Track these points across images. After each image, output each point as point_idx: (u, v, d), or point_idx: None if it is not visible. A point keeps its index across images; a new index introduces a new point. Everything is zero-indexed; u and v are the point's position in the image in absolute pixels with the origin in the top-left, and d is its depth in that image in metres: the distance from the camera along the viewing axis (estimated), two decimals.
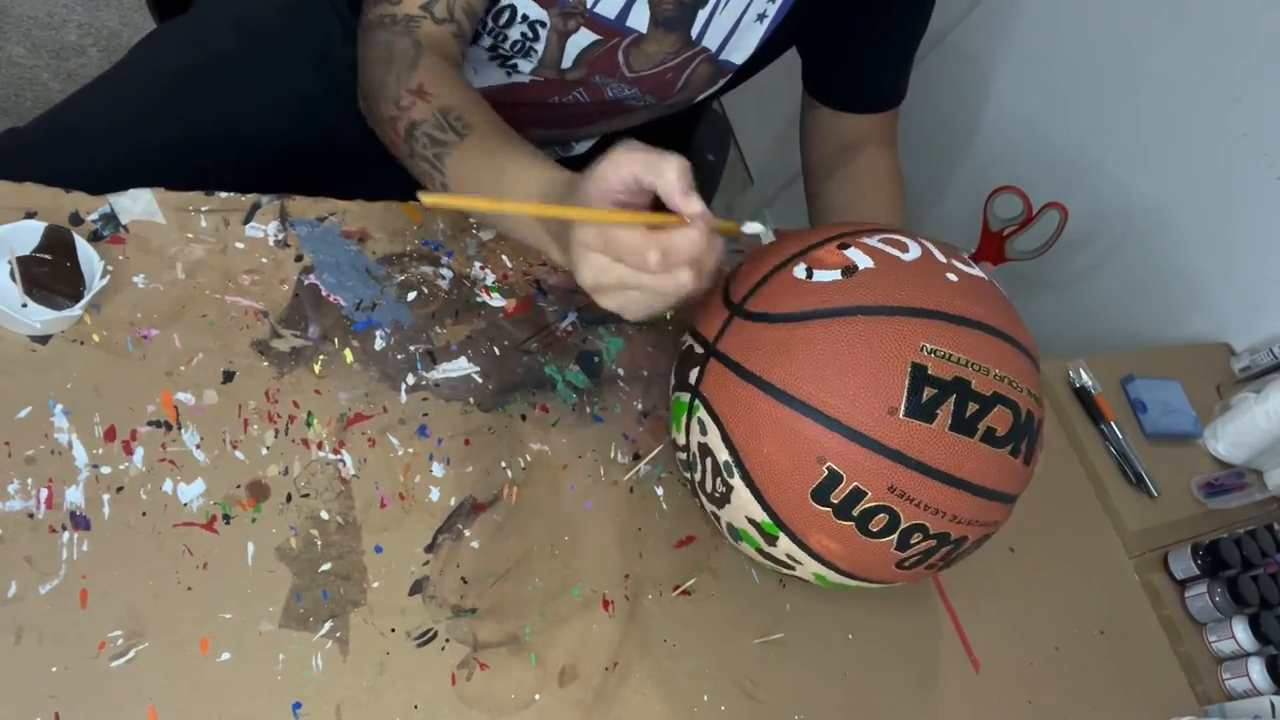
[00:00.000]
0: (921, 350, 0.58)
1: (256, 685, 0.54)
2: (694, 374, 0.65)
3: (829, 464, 0.58)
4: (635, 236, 0.53)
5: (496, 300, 0.74)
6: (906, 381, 0.58)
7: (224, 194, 0.67)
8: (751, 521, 0.63)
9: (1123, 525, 1.00)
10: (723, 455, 0.63)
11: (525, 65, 0.84)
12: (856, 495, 0.59)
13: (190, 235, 0.64)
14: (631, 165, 0.55)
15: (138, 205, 0.64)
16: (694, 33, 0.80)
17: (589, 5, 0.78)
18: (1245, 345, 1.31)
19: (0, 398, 0.54)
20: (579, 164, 0.77)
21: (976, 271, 0.65)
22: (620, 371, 0.77)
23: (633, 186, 0.55)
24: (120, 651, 0.51)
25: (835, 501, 0.59)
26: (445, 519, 0.64)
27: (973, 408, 0.59)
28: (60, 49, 1.61)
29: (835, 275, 0.62)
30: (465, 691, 0.59)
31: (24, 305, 0.55)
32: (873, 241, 0.64)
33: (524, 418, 0.70)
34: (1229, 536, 0.99)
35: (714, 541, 0.73)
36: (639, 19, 0.79)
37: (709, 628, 0.69)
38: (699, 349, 0.66)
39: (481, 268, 0.75)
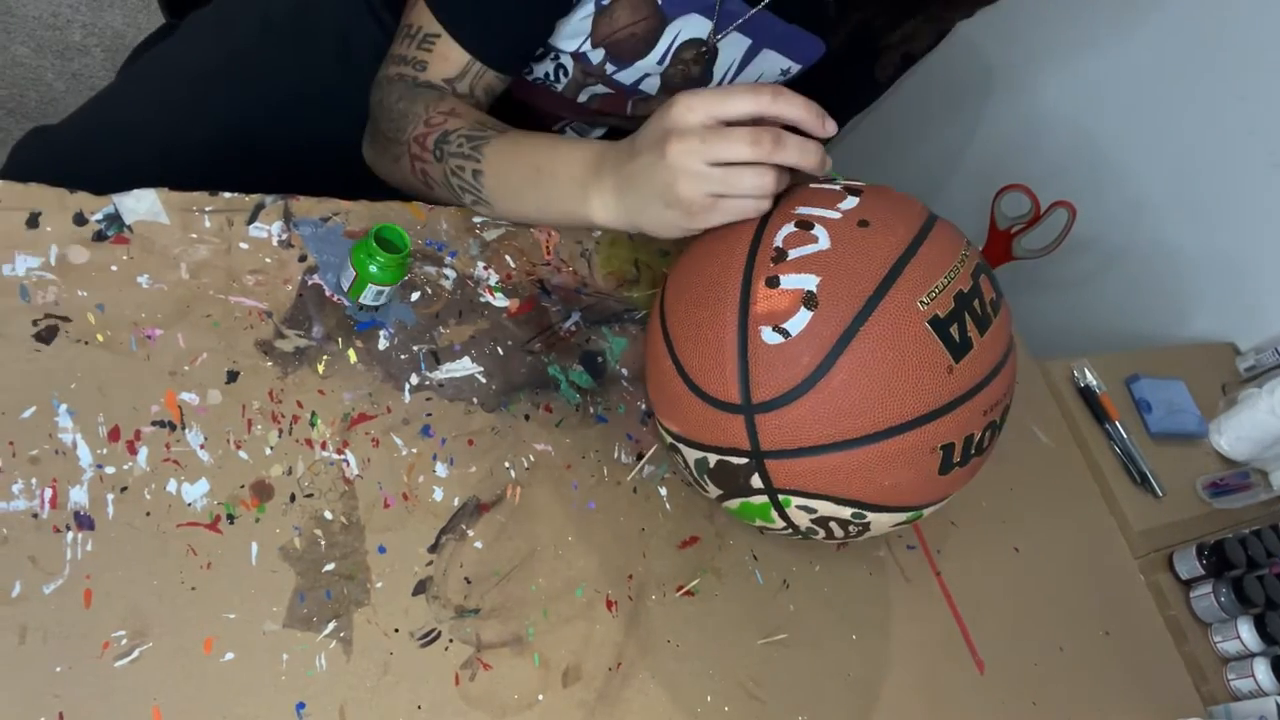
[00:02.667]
0: (922, 306, 0.58)
1: (260, 685, 0.54)
2: (755, 479, 0.62)
3: (938, 446, 0.60)
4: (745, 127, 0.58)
5: (500, 300, 0.74)
6: (938, 338, 0.58)
7: (228, 194, 0.67)
8: (897, 525, 0.65)
9: (1127, 525, 1.00)
10: (846, 512, 0.62)
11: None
12: (969, 443, 0.61)
13: (194, 235, 0.64)
14: (751, 97, 0.59)
15: (142, 205, 0.64)
16: None
17: (608, 72, 0.82)
18: (1250, 345, 1.30)
19: (4, 397, 0.54)
20: None
21: (838, 184, 0.64)
22: (624, 371, 0.77)
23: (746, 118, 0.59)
24: (124, 651, 0.51)
25: (958, 461, 0.61)
26: (449, 519, 0.64)
27: (975, 302, 0.61)
28: (65, 49, 1.62)
29: (804, 316, 0.58)
30: (469, 692, 0.59)
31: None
32: (793, 253, 0.60)
33: (527, 418, 0.70)
34: (1234, 537, 0.99)
35: (717, 542, 0.73)
36: (650, 85, 0.83)
37: (712, 628, 0.69)
38: (740, 460, 0.61)
39: (485, 268, 0.75)
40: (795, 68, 0.85)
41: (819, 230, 0.60)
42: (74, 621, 0.51)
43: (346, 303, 0.67)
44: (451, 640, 0.60)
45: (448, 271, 0.73)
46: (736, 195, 0.60)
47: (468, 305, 0.73)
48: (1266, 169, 1.25)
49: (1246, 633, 0.95)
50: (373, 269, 0.63)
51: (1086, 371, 1.09)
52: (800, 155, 0.60)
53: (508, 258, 0.76)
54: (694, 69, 0.82)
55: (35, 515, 0.52)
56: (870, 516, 0.63)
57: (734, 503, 0.66)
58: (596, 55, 0.81)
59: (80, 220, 0.61)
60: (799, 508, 0.63)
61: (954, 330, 0.59)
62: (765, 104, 0.59)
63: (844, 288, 0.58)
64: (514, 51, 0.77)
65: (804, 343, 0.57)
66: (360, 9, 0.87)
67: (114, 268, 0.61)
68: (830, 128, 0.61)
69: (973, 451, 0.62)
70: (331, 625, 0.57)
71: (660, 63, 0.81)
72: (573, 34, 0.79)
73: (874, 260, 0.59)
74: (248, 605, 0.55)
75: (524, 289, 0.76)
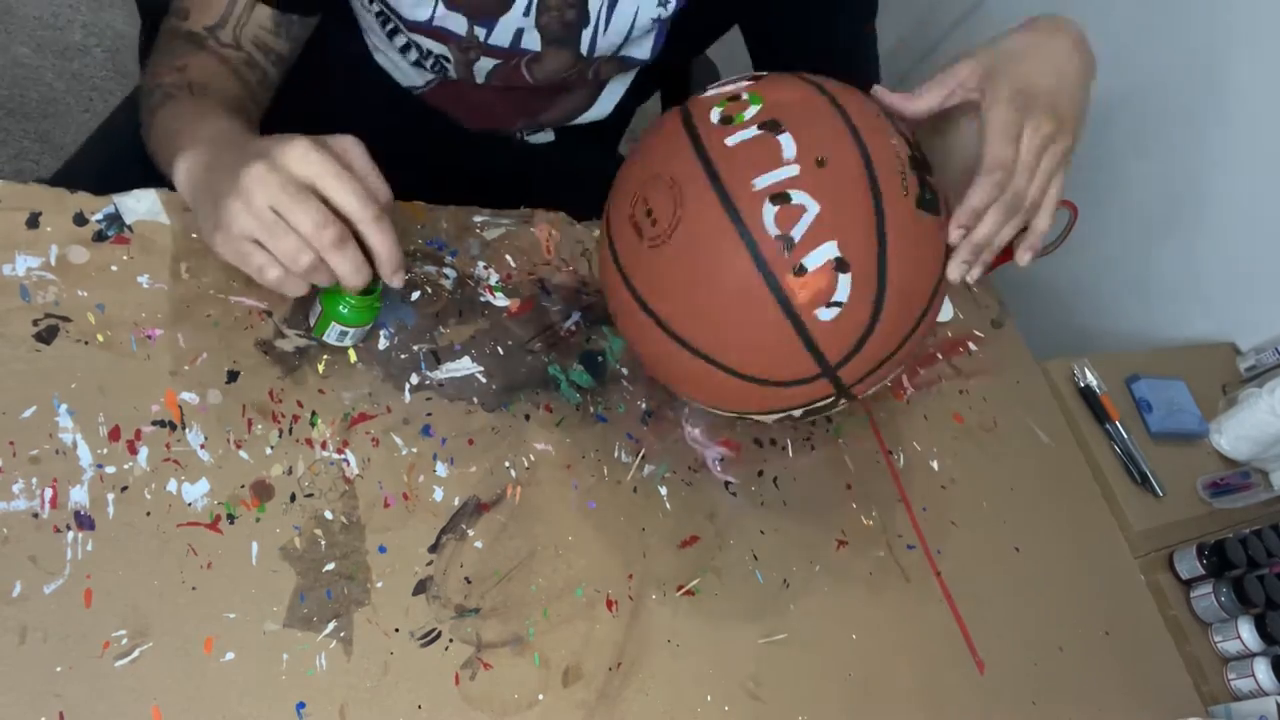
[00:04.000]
0: (904, 194, 0.61)
1: (260, 685, 0.54)
2: (840, 402, 0.67)
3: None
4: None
5: (500, 300, 0.74)
6: (928, 214, 0.63)
7: None
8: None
9: (1128, 525, 1.00)
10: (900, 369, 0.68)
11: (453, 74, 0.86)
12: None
13: (194, 235, 0.64)
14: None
15: (142, 205, 0.64)
16: (583, 49, 0.81)
17: (482, 39, 0.79)
18: (1250, 345, 1.30)
19: (5, 397, 0.55)
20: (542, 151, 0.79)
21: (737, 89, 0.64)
22: (624, 371, 0.77)
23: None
24: (125, 651, 0.51)
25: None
26: (449, 519, 0.64)
27: (918, 152, 0.65)
28: (65, 49, 1.62)
29: (844, 281, 0.60)
30: (469, 691, 0.59)
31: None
32: (795, 233, 0.59)
33: (528, 417, 0.70)
34: (1234, 536, 0.99)
35: (718, 541, 0.73)
36: (531, 40, 0.80)
37: (713, 628, 0.69)
38: (823, 401, 0.66)
39: (485, 267, 0.75)
40: None
41: (797, 196, 0.58)
42: (74, 621, 0.51)
43: (311, 340, 0.65)
44: (452, 640, 0.60)
45: (448, 271, 0.73)
46: (264, 249, 0.56)
47: (468, 305, 0.73)
48: (1268, 169, 1.25)
49: (1247, 633, 0.95)
50: (342, 309, 0.62)
51: (1087, 371, 1.09)
52: (351, 272, 0.57)
53: (508, 257, 0.76)
54: (568, 13, 0.78)
55: (36, 515, 0.53)
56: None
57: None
58: (458, 24, 0.77)
59: (80, 220, 0.61)
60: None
61: (927, 193, 0.62)
62: (364, 219, 0.56)
63: (854, 234, 0.59)
64: None
65: (856, 299, 0.60)
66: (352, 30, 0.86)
67: (114, 268, 0.61)
68: (398, 282, 0.59)
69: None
70: (332, 625, 0.57)
71: (527, 13, 0.77)
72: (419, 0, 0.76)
73: (855, 189, 0.60)
74: (248, 605, 0.55)
75: (524, 288, 0.76)
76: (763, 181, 0.59)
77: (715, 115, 0.62)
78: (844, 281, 0.59)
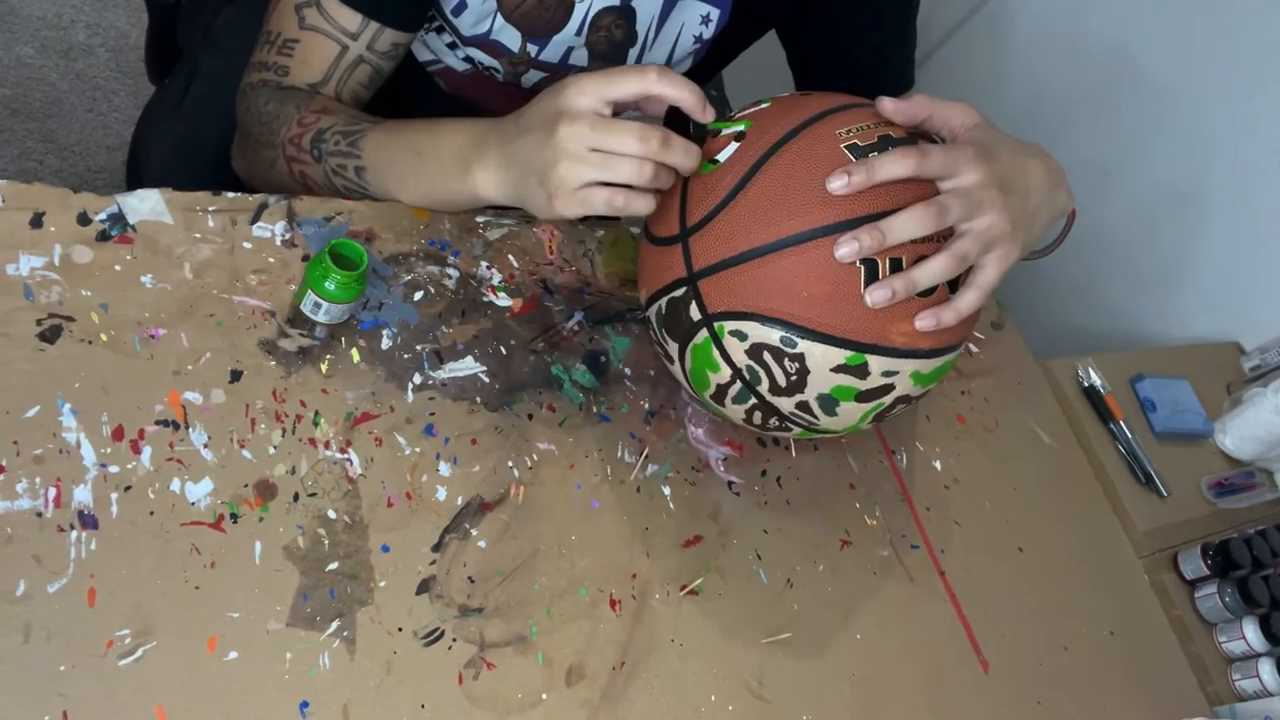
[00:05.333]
0: (844, 134, 0.62)
1: (264, 684, 0.54)
2: (694, 310, 0.64)
3: (860, 260, 0.60)
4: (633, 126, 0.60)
5: (503, 300, 0.74)
6: (854, 159, 0.61)
7: (231, 194, 0.67)
8: (839, 370, 0.62)
9: (1132, 525, 0.99)
10: (775, 335, 0.62)
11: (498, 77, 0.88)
12: (896, 265, 0.61)
13: (198, 235, 0.64)
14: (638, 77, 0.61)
15: (145, 205, 0.64)
16: None
17: (533, 55, 0.81)
18: (1255, 344, 1.30)
19: (8, 397, 0.55)
20: None
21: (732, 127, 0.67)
22: (627, 371, 0.77)
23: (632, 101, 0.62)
24: (128, 650, 0.51)
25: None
26: (452, 518, 0.64)
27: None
28: (69, 49, 1.62)
29: (732, 147, 0.64)
30: (472, 691, 0.59)
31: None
32: (734, 112, 0.67)
33: (531, 417, 0.70)
34: (1239, 536, 0.99)
35: (721, 541, 0.73)
36: (579, 57, 0.82)
37: (716, 627, 0.69)
38: (680, 290, 0.65)
39: (488, 267, 0.75)
40: (715, 12, 0.83)
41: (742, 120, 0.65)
42: (78, 620, 0.51)
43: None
44: (455, 639, 0.60)
45: (451, 271, 0.73)
46: (612, 183, 0.61)
47: (471, 305, 0.73)
48: (1271, 167, 1.25)
49: (1251, 633, 0.94)
50: (329, 285, 0.61)
51: (1091, 371, 1.09)
52: (684, 157, 0.62)
53: (511, 257, 0.76)
54: (616, 33, 0.81)
55: (39, 514, 0.53)
56: (801, 345, 0.62)
57: (687, 358, 0.67)
58: (513, 39, 0.80)
59: (84, 220, 0.61)
60: (732, 334, 0.63)
61: (873, 157, 0.61)
62: (650, 82, 0.61)
63: (772, 125, 0.63)
64: (409, 4, 0.76)
65: (729, 166, 0.63)
66: None
67: (118, 267, 0.61)
68: (709, 114, 0.63)
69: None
70: (335, 624, 0.57)
71: (579, 33, 0.80)
72: (480, 15, 0.78)
73: (804, 109, 0.64)
74: (251, 604, 0.55)
75: (527, 288, 0.76)
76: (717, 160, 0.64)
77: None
78: (731, 148, 0.64)
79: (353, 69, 0.75)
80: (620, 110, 0.63)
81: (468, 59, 0.85)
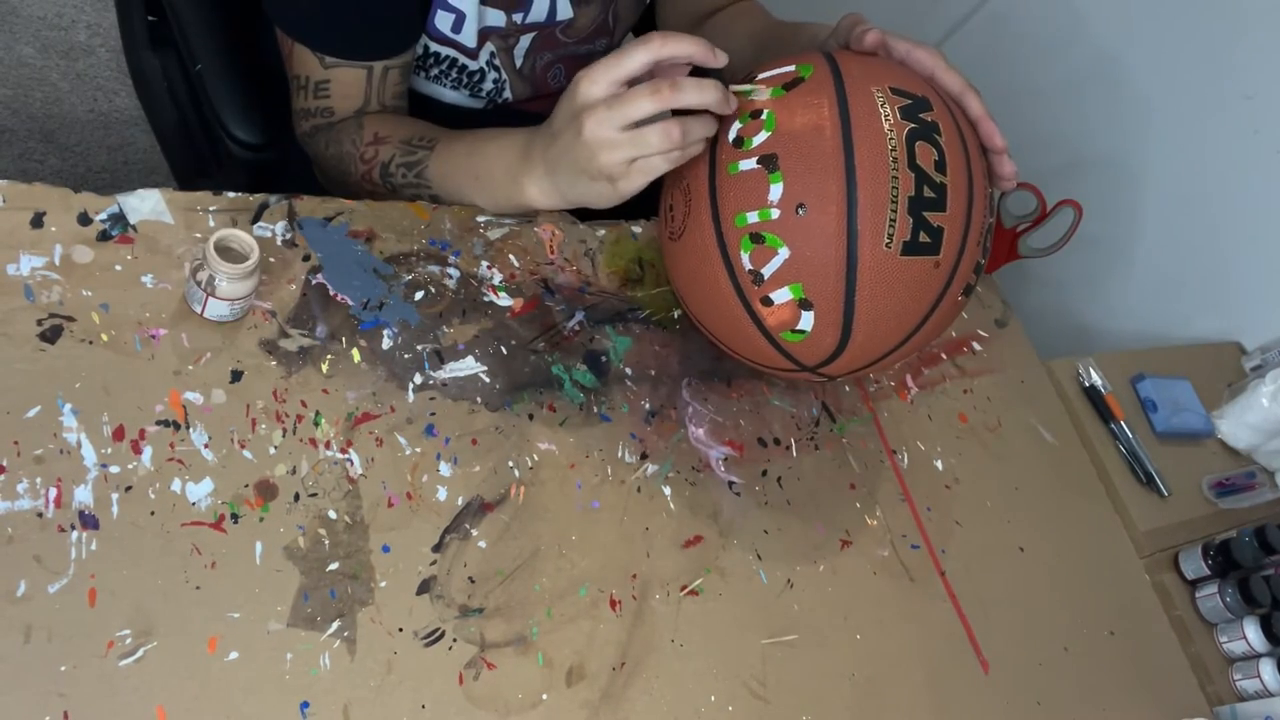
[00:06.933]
0: (888, 246, 0.63)
1: (264, 684, 0.54)
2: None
3: (959, 296, 0.67)
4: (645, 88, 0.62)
5: (504, 299, 0.74)
6: (915, 255, 0.63)
7: (231, 194, 0.67)
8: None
9: (1133, 525, 0.99)
10: None
11: (507, 94, 0.91)
12: (979, 270, 0.69)
13: (198, 235, 0.64)
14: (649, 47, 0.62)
15: (146, 205, 0.64)
16: None
17: (520, 22, 0.84)
18: (1256, 344, 1.30)
19: (9, 397, 0.55)
20: None
21: (755, 94, 0.67)
22: (628, 371, 0.77)
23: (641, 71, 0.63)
24: (129, 650, 0.52)
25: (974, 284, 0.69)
26: (452, 518, 0.64)
27: (924, 189, 0.63)
28: (70, 49, 1.62)
29: (808, 316, 0.65)
30: (473, 691, 0.59)
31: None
32: (766, 271, 0.65)
33: (531, 417, 0.70)
34: (1240, 536, 0.99)
35: (721, 542, 0.73)
36: (564, 8, 0.85)
37: (716, 628, 0.69)
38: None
39: (489, 267, 0.75)
40: None
41: (771, 239, 0.64)
42: (78, 621, 0.51)
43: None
44: (455, 640, 0.60)
45: (451, 271, 0.73)
46: (650, 154, 0.63)
47: (471, 304, 0.73)
48: (1273, 168, 1.25)
49: (1252, 633, 0.94)
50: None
51: (1092, 371, 1.09)
52: (699, 94, 0.63)
53: (511, 257, 0.76)
54: None
55: (40, 515, 0.53)
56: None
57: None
58: (497, 17, 0.82)
59: (84, 220, 0.61)
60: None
61: (922, 236, 0.63)
62: (656, 49, 0.62)
63: (820, 278, 0.63)
64: (394, 32, 0.78)
65: (820, 330, 0.65)
66: None
67: (118, 267, 0.61)
68: (721, 59, 0.64)
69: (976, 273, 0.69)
70: (335, 625, 0.57)
71: None
72: (471, 18, 0.80)
73: (828, 239, 0.62)
74: (252, 604, 0.55)
75: (528, 288, 0.76)
76: (747, 219, 0.64)
77: (734, 132, 0.66)
78: (807, 316, 0.65)
79: (384, 79, 0.79)
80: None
81: (450, 73, 0.87)
